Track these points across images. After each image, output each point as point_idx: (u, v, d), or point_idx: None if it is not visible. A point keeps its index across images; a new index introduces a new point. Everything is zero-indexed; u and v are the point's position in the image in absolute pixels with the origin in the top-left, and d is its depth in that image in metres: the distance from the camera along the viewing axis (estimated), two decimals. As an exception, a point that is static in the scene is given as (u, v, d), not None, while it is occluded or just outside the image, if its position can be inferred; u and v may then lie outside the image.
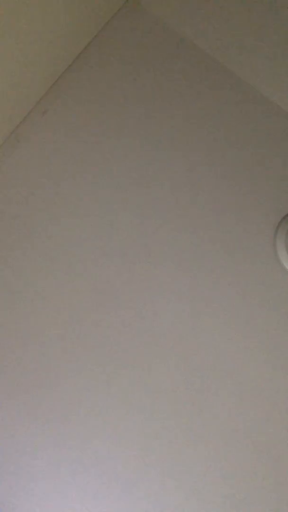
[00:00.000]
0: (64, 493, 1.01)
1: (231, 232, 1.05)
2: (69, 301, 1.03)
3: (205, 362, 1.03)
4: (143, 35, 1.06)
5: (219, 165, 1.05)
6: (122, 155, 1.05)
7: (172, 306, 1.04)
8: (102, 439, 1.02)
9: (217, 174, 1.05)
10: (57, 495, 1.01)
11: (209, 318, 1.03)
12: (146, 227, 1.05)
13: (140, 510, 1.01)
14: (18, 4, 0.78)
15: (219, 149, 1.06)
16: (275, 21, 0.97)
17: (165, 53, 1.06)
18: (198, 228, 1.05)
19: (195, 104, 1.06)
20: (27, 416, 1.01)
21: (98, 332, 1.03)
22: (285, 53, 0.99)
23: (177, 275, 1.04)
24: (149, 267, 1.04)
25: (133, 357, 1.03)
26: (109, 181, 1.05)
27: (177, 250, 1.05)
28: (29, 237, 1.03)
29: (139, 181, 1.05)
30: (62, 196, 1.04)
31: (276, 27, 0.98)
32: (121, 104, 1.05)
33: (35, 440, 1.01)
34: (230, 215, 1.05)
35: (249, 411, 1.02)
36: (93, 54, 1.06)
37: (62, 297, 1.03)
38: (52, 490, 1.01)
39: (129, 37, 1.06)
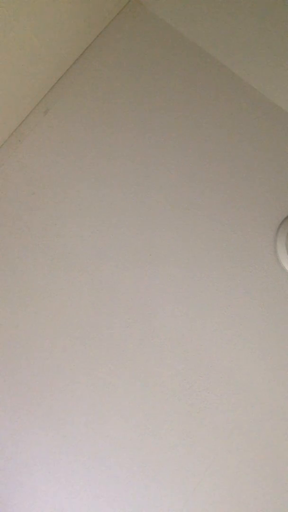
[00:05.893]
0: (64, 493, 1.01)
1: (231, 233, 1.05)
2: (69, 301, 1.03)
3: (205, 362, 1.03)
4: (145, 35, 1.06)
5: (219, 166, 1.05)
6: (123, 155, 1.05)
7: (172, 306, 1.04)
8: (102, 439, 1.02)
9: (218, 175, 1.05)
10: (57, 495, 1.01)
11: (209, 317, 1.03)
12: (146, 227, 1.05)
13: (139, 509, 1.01)
14: (21, 5, 0.78)
15: (219, 149, 1.06)
16: (275, 21, 0.97)
17: (167, 53, 1.06)
18: (199, 228, 1.05)
19: (195, 104, 1.06)
20: (27, 416, 1.01)
21: (98, 332, 1.03)
22: (285, 53, 1.00)
23: (178, 276, 1.04)
24: (149, 268, 1.04)
25: (133, 357, 1.03)
26: (110, 181, 1.05)
27: (178, 250, 1.05)
28: (30, 237, 1.03)
29: (140, 181, 1.05)
30: (63, 196, 1.04)
31: (276, 28, 0.98)
32: (122, 103, 1.05)
33: (35, 440, 1.01)
34: (231, 216, 1.05)
35: (248, 411, 1.02)
36: (95, 54, 1.06)
37: (62, 297, 1.03)
38: (52, 490, 1.01)
39: (131, 38, 1.06)
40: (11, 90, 0.93)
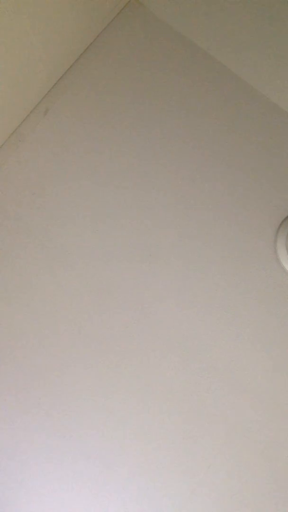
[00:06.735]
0: (64, 493, 1.01)
1: (231, 233, 1.05)
2: (69, 301, 1.03)
3: (205, 361, 1.03)
4: (145, 36, 1.06)
5: (219, 165, 1.06)
6: (123, 155, 1.05)
7: (172, 306, 1.04)
8: (101, 439, 1.02)
9: (217, 175, 1.05)
10: (57, 495, 1.01)
11: (209, 317, 1.03)
12: (146, 227, 1.05)
13: (139, 509, 1.01)
14: (21, 5, 0.79)
15: (219, 149, 1.06)
16: (275, 21, 0.97)
17: (167, 53, 1.06)
18: (199, 228, 1.05)
19: (195, 104, 1.06)
20: (27, 416, 1.01)
21: (98, 332, 1.03)
22: (285, 53, 1.00)
23: (177, 275, 1.04)
24: (149, 267, 1.04)
25: (132, 357, 1.03)
26: (110, 180, 1.05)
27: (178, 250, 1.05)
28: (30, 237, 1.03)
29: (140, 181, 1.05)
30: (63, 196, 1.05)
31: (276, 28, 0.98)
32: (122, 103, 1.05)
33: (35, 440, 1.01)
34: (231, 216, 1.05)
35: (248, 409, 1.02)
36: (95, 54, 1.06)
37: (62, 297, 1.03)
38: (52, 490, 1.01)
39: (131, 38, 1.06)
40: (11, 89, 0.93)
